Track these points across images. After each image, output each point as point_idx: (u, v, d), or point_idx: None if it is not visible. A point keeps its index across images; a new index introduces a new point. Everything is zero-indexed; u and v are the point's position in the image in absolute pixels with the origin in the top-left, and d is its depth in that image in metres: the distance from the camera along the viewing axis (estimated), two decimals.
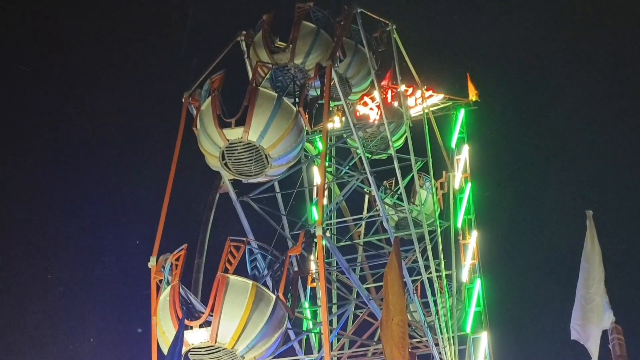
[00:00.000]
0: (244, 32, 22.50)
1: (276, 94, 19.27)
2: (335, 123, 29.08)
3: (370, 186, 24.67)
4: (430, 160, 28.33)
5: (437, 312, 26.77)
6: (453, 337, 27.42)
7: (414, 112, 30.13)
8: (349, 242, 28.62)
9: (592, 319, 16.42)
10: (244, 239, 17.87)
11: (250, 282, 16.95)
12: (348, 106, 24.16)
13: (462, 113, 32.64)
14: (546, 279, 37.59)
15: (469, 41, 40.84)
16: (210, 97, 19.28)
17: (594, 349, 16.66)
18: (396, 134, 27.80)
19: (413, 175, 27.37)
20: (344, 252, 27.68)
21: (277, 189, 24.48)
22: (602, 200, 36.44)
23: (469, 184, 31.48)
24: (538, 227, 39.47)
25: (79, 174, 39.46)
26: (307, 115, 19.51)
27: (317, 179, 28.59)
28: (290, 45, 21.47)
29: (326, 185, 24.73)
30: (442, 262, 27.82)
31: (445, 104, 32.50)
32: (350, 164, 26.61)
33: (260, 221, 23.30)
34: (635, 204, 37.14)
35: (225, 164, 19.34)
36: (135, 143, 39.26)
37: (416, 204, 28.10)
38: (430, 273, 26.79)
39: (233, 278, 16.88)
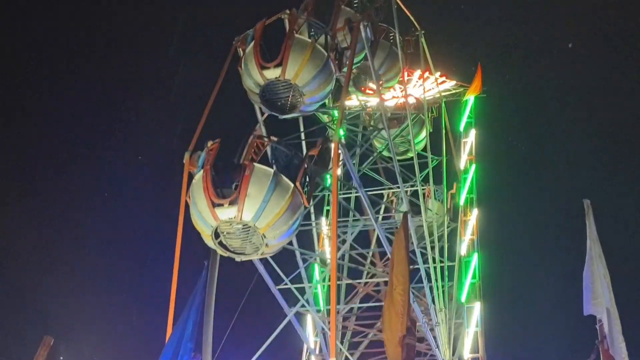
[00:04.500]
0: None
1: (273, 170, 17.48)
2: (352, 100, 28.76)
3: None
4: (445, 158, 28.46)
5: (437, 294, 26.74)
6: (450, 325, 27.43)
7: (429, 95, 29.90)
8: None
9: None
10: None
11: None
12: (380, 94, 24.05)
13: (471, 100, 32.21)
14: (540, 257, 37.20)
15: (481, 30, 40.14)
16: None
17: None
18: (416, 137, 27.70)
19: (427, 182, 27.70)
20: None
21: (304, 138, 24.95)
22: (601, 187, 35.90)
23: (474, 166, 31.15)
24: (537, 210, 39.01)
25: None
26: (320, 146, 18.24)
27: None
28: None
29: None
30: (446, 253, 27.83)
31: (457, 90, 32.09)
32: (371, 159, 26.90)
33: None
34: (634, 192, 36.55)
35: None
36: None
37: (428, 207, 28.01)
38: (435, 264, 26.84)
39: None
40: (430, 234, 26.89)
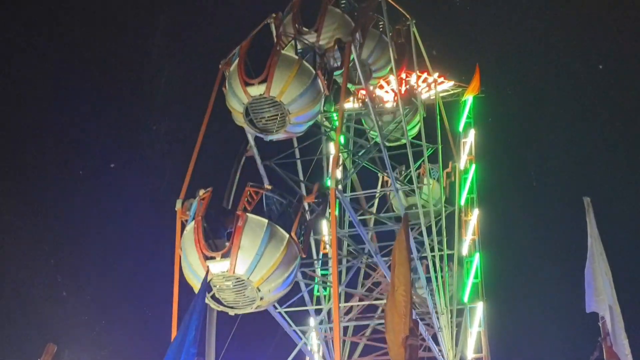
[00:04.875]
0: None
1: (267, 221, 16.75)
2: (351, 102, 28.66)
3: (382, 167, 24.07)
4: (440, 147, 27.86)
5: (437, 286, 26.34)
6: (451, 310, 27.08)
7: (426, 96, 29.58)
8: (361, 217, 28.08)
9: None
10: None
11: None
12: (368, 89, 23.83)
13: (470, 100, 32.11)
14: (541, 255, 37.13)
15: (479, 30, 40.14)
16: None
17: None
18: (410, 123, 27.17)
19: (422, 161, 27.09)
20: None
21: (298, 155, 24.12)
22: (601, 184, 35.85)
23: (474, 166, 31.01)
24: (537, 209, 38.97)
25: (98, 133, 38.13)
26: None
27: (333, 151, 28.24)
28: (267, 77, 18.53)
29: (340, 161, 24.68)
30: (445, 241, 27.45)
31: (455, 91, 32.02)
32: (366, 150, 26.08)
33: (281, 184, 22.66)
34: (634, 189, 36.46)
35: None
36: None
37: (424, 191, 27.71)
38: (434, 252, 26.47)
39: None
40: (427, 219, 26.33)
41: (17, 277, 32.81)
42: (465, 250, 29.33)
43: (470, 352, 27.53)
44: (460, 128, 31.69)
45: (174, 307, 17.92)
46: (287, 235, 16.33)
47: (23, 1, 37.92)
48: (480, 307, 28.40)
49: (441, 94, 30.84)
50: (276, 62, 18.17)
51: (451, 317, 26.90)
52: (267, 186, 17.33)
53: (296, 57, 18.66)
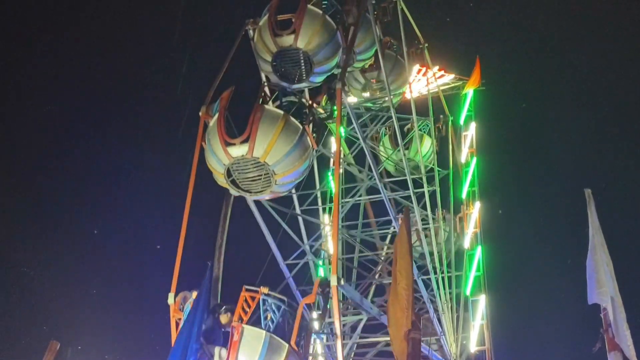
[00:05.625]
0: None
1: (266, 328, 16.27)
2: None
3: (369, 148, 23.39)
4: (432, 118, 27.43)
5: (431, 254, 25.85)
6: (450, 276, 26.49)
7: (425, 90, 29.49)
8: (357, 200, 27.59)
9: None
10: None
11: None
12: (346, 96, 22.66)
13: (470, 93, 31.99)
14: (543, 247, 37.20)
15: (480, 23, 40.16)
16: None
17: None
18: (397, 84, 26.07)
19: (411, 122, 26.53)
20: (351, 211, 27.49)
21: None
22: (602, 176, 35.89)
23: (475, 159, 30.91)
24: (539, 201, 39.05)
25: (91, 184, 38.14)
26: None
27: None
28: (249, 137, 17.13)
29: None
30: (440, 210, 27.10)
31: (456, 84, 31.92)
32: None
33: (273, 220, 22.05)
34: (635, 181, 36.46)
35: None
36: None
37: (413, 147, 27.34)
38: (427, 222, 25.93)
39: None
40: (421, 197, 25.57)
41: (21, 275, 32.92)
42: (467, 244, 29.24)
43: (473, 345, 27.52)
44: (461, 121, 31.62)
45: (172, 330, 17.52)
46: (287, 345, 15.75)
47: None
48: (482, 299, 28.42)
49: (442, 87, 30.83)
50: (259, 119, 16.76)
51: (450, 289, 26.21)
52: (263, 289, 16.40)
53: (281, 112, 17.24)
